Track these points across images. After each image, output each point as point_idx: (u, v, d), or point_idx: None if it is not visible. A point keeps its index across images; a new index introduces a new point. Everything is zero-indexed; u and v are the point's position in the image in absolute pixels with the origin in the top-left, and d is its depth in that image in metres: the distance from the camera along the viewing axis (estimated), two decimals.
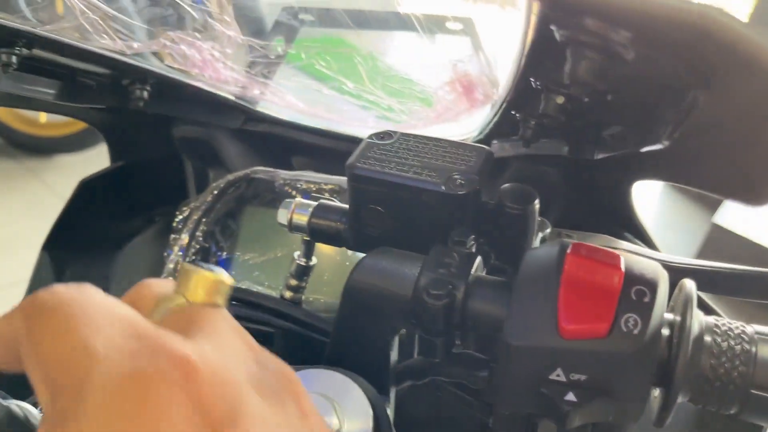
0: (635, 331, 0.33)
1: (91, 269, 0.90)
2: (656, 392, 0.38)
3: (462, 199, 0.42)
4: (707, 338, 0.36)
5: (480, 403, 0.50)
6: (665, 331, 0.36)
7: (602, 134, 0.54)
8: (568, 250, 0.36)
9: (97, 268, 0.89)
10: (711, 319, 0.36)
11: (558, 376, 0.34)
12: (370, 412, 0.39)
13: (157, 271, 0.78)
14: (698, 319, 0.36)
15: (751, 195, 0.42)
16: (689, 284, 0.37)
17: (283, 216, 0.52)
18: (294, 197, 0.57)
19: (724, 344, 0.35)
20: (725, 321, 0.36)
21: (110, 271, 0.88)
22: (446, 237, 0.43)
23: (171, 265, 0.69)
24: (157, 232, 0.88)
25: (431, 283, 0.38)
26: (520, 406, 0.36)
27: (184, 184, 0.85)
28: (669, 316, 0.37)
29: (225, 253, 0.70)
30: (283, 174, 0.68)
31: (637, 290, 0.34)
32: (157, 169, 0.85)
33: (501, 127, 0.64)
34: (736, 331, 0.36)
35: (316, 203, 0.52)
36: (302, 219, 0.51)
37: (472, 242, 0.43)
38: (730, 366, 0.35)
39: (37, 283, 0.89)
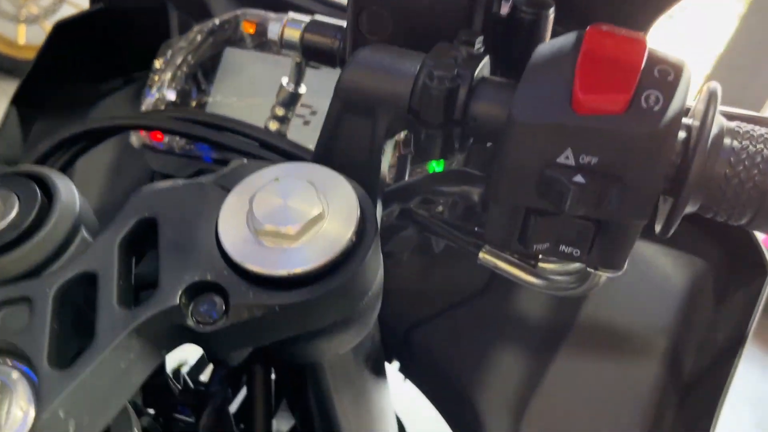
0: (656, 108, 0.30)
1: (59, 128, 0.85)
2: (665, 204, 0.36)
3: None
4: (726, 141, 0.33)
5: (471, 238, 0.48)
6: (682, 134, 0.34)
7: None
8: (588, 28, 0.33)
9: (67, 127, 0.85)
10: (732, 123, 0.34)
11: (567, 158, 0.32)
12: (358, 209, 0.36)
13: None
14: (719, 120, 0.34)
15: None
16: (714, 84, 0.34)
17: (273, 31, 0.48)
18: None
19: (744, 149, 0.33)
20: (749, 126, 0.34)
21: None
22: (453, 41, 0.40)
23: (147, 107, 0.65)
24: (135, 91, 0.83)
25: (436, 67, 0.35)
26: (520, 195, 0.33)
27: (167, 37, 0.80)
28: (687, 120, 0.34)
29: (206, 98, 0.66)
30: (274, 16, 0.64)
31: (661, 69, 0.31)
32: (139, 17, 0.80)
33: None
34: (759, 136, 0.33)
35: (309, 18, 0.48)
36: (294, 34, 0.48)
37: (481, 45, 0.39)
38: (747, 174, 0.33)
39: (2, 138, 0.84)
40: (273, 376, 0.51)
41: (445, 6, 0.40)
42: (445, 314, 0.68)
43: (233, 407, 0.58)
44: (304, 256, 0.34)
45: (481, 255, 0.46)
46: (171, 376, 0.47)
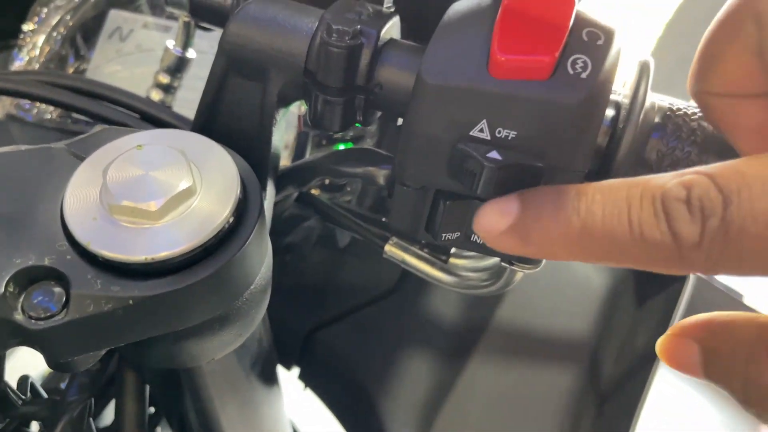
0: (583, 75, 0.26)
1: None
2: None
3: None
4: (658, 120, 0.30)
5: (377, 229, 0.43)
6: (610, 111, 0.30)
7: None
8: None
9: None
10: (665, 101, 0.30)
11: (481, 131, 0.27)
12: (238, 184, 0.30)
13: None
14: (650, 98, 0.30)
15: None
16: (648, 59, 0.31)
17: None
18: None
19: (678, 129, 0.30)
20: (683, 104, 0.30)
21: None
22: None
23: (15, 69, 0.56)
24: (3, 60, 0.74)
25: (335, 20, 0.30)
26: (429, 173, 0.29)
27: None
28: (616, 96, 0.30)
29: (85, 64, 0.58)
30: None
31: (589, 32, 0.27)
32: None
33: None
34: (692, 114, 0.30)
35: None
36: None
37: (391, 4, 0.35)
38: (680, 156, 0.30)
39: None
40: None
41: None
42: (350, 315, 0.63)
43: (105, 420, 0.50)
44: (168, 239, 0.28)
45: (387, 248, 0.41)
46: (15, 384, 0.40)
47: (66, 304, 0.27)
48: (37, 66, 0.56)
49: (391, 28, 0.33)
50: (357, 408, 0.63)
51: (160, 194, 0.28)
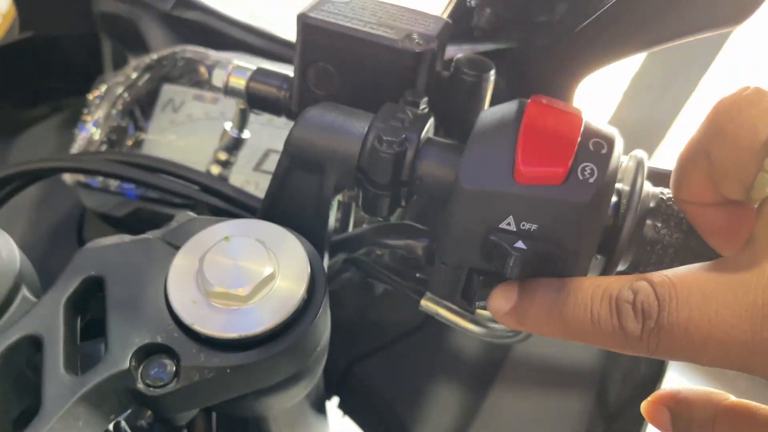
0: (591, 180, 0.32)
1: None
2: (598, 261, 0.38)
3: (418, 58, 0.41)
4: (652, 204, 0.36)
5: (411, 283, 0.49)
6: (614, 198, 0.36)
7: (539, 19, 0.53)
8: (529, 100, 0.35)
9: None
10: (657, 189, 0.37)
11: (509, 224, 0.33)
12: (308, 266, 0.36)
13: None
14: (646, 186, 0.36)
15: (731, 10, 0.41)
16: (640, 153, 0.37)
17: (219, 78, 0.48)
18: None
19: (668, 215, 0.36)
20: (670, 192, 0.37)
21: (2, 158, 0.80)
22: (398, 99, 0.41)
23: (81, 143, 0.63)
24: (63, 121, 0.81)
25: (384, 130, 0.37)
26: (465, 256, 0.35)
27: (100, 69, 0.78)
28: (617, 185, 0.37)
29: (143, 134, 0.65)
30: (215, 55, 0.64)
31: (595, 142, 0.33)
32: (71, 46, 0.78)
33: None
34: None
35: (255, 67, 0.48)
36: (240, 82, 0.48)
37: (426, 105, 0.41)
38: (670, 237, 0.36)
39: None
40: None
41: (391, 66, 0.41)
42: (383, 350, 0.69)
43: None
44: (256, 318, 0.34)
45: (422, 303, 0.47)
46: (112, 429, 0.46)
47: (176, 374, 0.33)
48: (101, 137, 0.62)
49: (429, 129, 0.39)
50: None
51: (248, 281, 0.34)
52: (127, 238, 0.39)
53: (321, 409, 0.53)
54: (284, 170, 0.40)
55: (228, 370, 0.33)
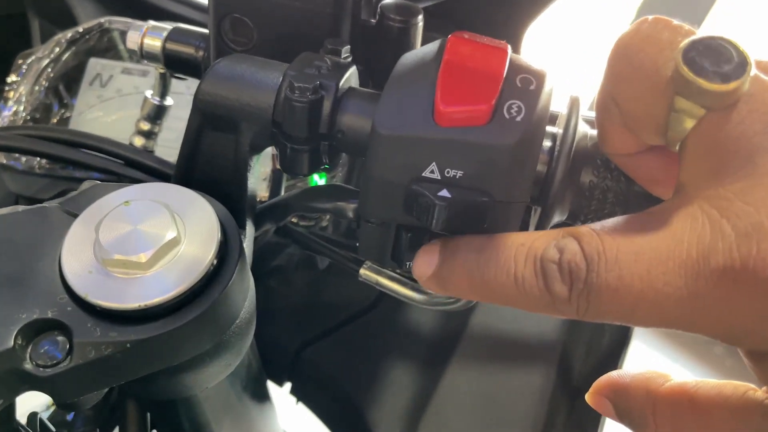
0: (518, 118, 0.29)
1: None
2: (535, 215, 0.35)
3: (339, 3, 0.38)
4: (590, 146, 0.33)
5: (353, 254, 0.46)
6: (547, 143, 0.33)
7: None
8: (450, 36, 0.32)
9: None
10: (595, 131, 0.34)
11: (432, 172, 0.30)
12: (218, 230, 0.33)
13: None
14: (583, 130, 0.34)
15: None
16: (577, 95, 0.34)
17: (133, 40, 0.45)
18: None
19: (607, 160, 0.33)
20: None
21: None
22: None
23: (3, 122, 0.59)
24: None
25: (297, 77, 0.34)
26: (389, 211, 0.32)
27: (29, 46, 0.74)
28: (552, 128, 0.34)
29: (68, 112, 0.61)
30: (139, 24, 0.60)
31: (522, 78, 0.30)
32: None
33: None
34: None
35: (171, 26, 0.45)
36: (155, 43, 0.45)
37: (348, 54, 0.38)
38: (611, 174, 0.33)
39: None
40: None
41: (310, 14, 0.38)
42: (335, 331, 0.66)
43: None
44: (158, 287, 0.31)
45: (361, 271, 0.44)
46: (25, 422, 0.43)
47: (70, 352, 0.30)
48: (23, 116, 0.59)
49: (350, 78, 0.36)
50: (346, 417, 0.66)
51: (148, 246, 0.31)
52: (20, 208, 0.35)
53: (261, 392, 0.50)
54: (195, 130, 0.37)
55: (128, 345, 0.30)
